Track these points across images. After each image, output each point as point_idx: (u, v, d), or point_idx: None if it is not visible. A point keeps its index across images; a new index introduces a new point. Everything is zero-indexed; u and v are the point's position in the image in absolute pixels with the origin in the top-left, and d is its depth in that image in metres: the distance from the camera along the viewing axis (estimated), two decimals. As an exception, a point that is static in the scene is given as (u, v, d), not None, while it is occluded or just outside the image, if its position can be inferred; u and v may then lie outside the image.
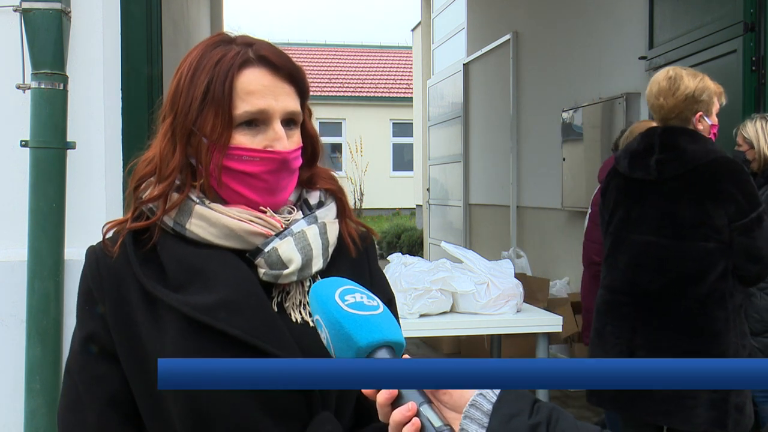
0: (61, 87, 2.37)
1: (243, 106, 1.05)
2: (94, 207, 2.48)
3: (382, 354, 0.86)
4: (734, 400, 2.53)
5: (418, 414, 0.82)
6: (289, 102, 1.08)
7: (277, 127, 1.07)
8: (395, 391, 0.84)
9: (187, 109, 1.06)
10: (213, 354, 1.01)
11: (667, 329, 2.58)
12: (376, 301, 0.91)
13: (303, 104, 1.13)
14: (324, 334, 0.90)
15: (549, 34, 6.89)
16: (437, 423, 0.81)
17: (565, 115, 6.40)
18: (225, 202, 1.09)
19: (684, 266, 2.58)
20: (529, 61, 7.41)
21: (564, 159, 6.33)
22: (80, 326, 1.10)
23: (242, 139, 1.06)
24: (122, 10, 2.56)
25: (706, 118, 2.66)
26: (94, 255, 1.11)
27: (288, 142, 1.08)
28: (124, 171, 2.54)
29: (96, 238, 1.14)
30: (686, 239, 2.57)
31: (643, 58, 4.97)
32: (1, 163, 2.46)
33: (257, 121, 1.06)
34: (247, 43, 1.09)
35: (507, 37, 7.81)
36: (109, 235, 1.11)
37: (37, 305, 2.34)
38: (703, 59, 4.20)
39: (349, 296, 0.90)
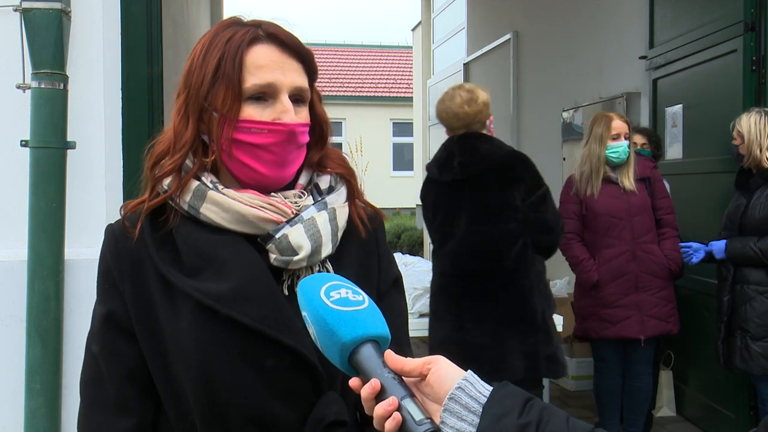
0: (61, 87, 2.37)
1: (252, 80, 1.09)
2: (95, 207, 2.48)
3: (367, 348, 0.88)
4: (544, 351, 3.07)
5: (399, 408, 0.83)
6: (297, 77, 1.12)
7: (285, 100, 1.10)
8: (378, 385, 0.85)
9: (199, 84, 1.11)
10: (225, 339, 1.05)
11: (487, 300, 3.11)
12: (362, 296, 0.92)
13: (311, 84, 1.17)
14: (311, 331, 0.92)
15: (549, 33, 6.89)
16: (418, 416, 0.82)
17: (565, 114, 6.40)
18: (237, 181, 1.13)
19: (494, 246, 3.10)
20: (530, 61, 7.41)
21: (564, 159, 6.33)
22: (100, 304, 1.14)
23: (251, 112, 1.10)
24: (122, 10, 2.56)
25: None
26: (113, 235, 1.14)
27: (296, 116, 1.11)
28: (124, 170, 2.55)
29: (97, 238, 1.16)
30: (493, 223, 3.10)
31: (643, 57, 4.97)
32: (1, 162, 2.45)
33: (266, 95, 1.10)
34: (257, 23, 1.14)
35: (507, 36, 7.81)
36: (128, 215, 1.14)
37: (37, 305, 2.34)
38: (704, 59, 4.20)
39: (335, 292, 0.91)
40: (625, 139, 3.77)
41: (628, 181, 3.76)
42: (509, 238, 3.09)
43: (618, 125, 3.77)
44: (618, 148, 3.75)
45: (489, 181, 3.10)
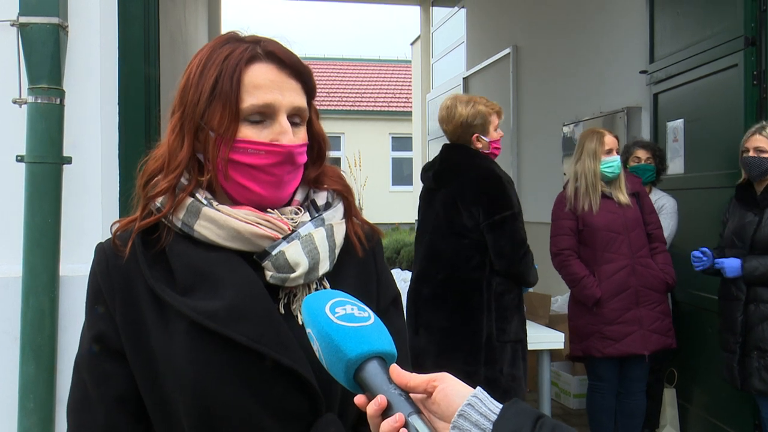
0: (58, 102, 2.38)
1: (250, 100, 1.08)
2: (90, 222, 2.48)
3: (373, 365, 0.87)
4: (484, 375, 3.06)
5: (406, 425, 0.82)
6: (295, 97, 1.11)
7: (283, 121, 1.09)
8: (384, 402, 0.84)
9: (195, 102, 1.09)
10: (220, 359, 1.03)
11: (436, 310, 3.19)
12: (367, 312, 0.92)
13: (309, 103, 1.16)
14: (316, 347, 0.91)
15: (549, 48, 6.93)
16: None
17: (565, 129, 6.42)
18: (232, 201, 1.12)
19: (446, 259, 3.17)
20: (529, 75, 7.44)
21: (565, 174, 6.33)
22: (89, 325, 1.12)
23: (248, 132, 1.08)
24: (119, 23, 2.58)
25: (483, 137, 3.20)
26: (104, 254, 1.12)
27: (294, 137, 1.10)
28: (120, 186, 2.55)
29: (92, 254, 1.15)
30: (447, 237, 3.18)
31: (644, 72, 4.99)
32: (-3, 178, 2.46)
33: (264, 115, 1.09)
34: (256, 40, 1.12)
35: (507, 51, 7.85)
36: (119, 233, 1.13)
37: (31, 322, 2.34)
38: (704, 73, 4.22)
39: (340, 308, 0.91)
40: (617, 153, 3.85)
41: (623, 195, 3.81)
42: (462, 253, 3.14)
43: (610, 140, 3.84)
44: (612, 163, 3.80)
45: (454, 196, 3.17)
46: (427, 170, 3.36)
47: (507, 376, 3.10)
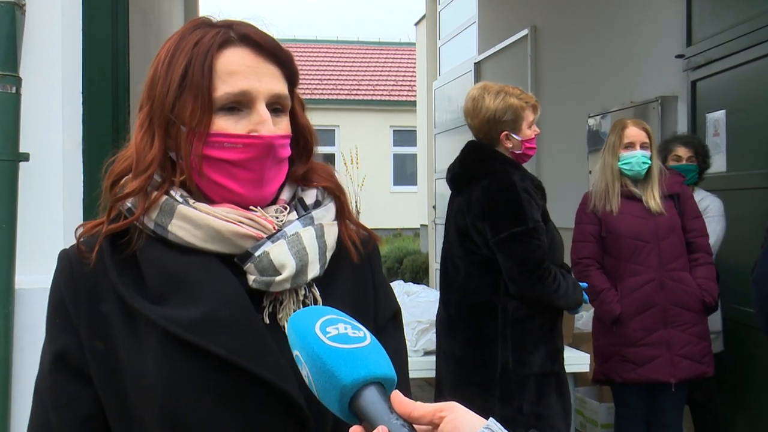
0: (14, 90, 2.39)
1: (224, 88, 1.10)
2: (50, 228, 2.49)
3: (370, 392, 0.87)
4: (500, 412, 2.97)
5: None
6: (275, 84, 1.13)
7: (262, 109, 1.11)
8: None
9: (164, 95, 1.11)
10: (196, 374, 1.04)
11: (450, 336, 3.15)
12: (363, 332, 0.92)
13: (292, 91, 1.18)
14: (305, 372, 0.91)
15: (572, 29, 6.94)
16: None
17: (591, 121, 6.42)
18: (210, 201, 1.13)
19: (460, 278, 3.12)
20: (550, 60, 7.45)
21: (590, 172, 6.33)
22: (50, 342, 1.13)
23: (224, 124, 1.10)
24: (84, 2, 2.58)
25: (514, 135, 3.15)
26: (68, 261, 1.14)
27: (274, 127, 1.12)
28: (84, 186, 2.55)
29: (53, 264, 1.16)
30: (459, 251, 3.13)
31: (680, 56, 5.00)
32: (-56, 177, 2.46)
33: (240, 105, 1.11)
34: (228, 23, 1.15)
35: (524, 32, 7.87)
36: (84, 238, 1.14)
37: (-18, 341, 2.34)
38: (747, 58, 4.23)
39: (332, 327, 0.91)
40: (642, 148, 3.76)
41: (654, 201, 3.73)
42: (473, 272, 3.08)
43: (632, 133, 3.78)
44: (630, 159, 3.75)
45: (463, 206, 3.12)
46: (448, 172, 3.32)
47: (529, 416, 2.98)
